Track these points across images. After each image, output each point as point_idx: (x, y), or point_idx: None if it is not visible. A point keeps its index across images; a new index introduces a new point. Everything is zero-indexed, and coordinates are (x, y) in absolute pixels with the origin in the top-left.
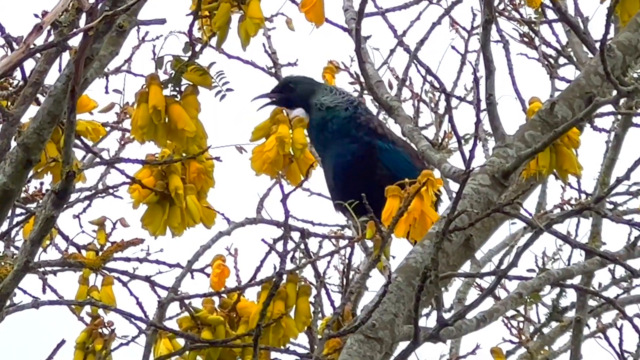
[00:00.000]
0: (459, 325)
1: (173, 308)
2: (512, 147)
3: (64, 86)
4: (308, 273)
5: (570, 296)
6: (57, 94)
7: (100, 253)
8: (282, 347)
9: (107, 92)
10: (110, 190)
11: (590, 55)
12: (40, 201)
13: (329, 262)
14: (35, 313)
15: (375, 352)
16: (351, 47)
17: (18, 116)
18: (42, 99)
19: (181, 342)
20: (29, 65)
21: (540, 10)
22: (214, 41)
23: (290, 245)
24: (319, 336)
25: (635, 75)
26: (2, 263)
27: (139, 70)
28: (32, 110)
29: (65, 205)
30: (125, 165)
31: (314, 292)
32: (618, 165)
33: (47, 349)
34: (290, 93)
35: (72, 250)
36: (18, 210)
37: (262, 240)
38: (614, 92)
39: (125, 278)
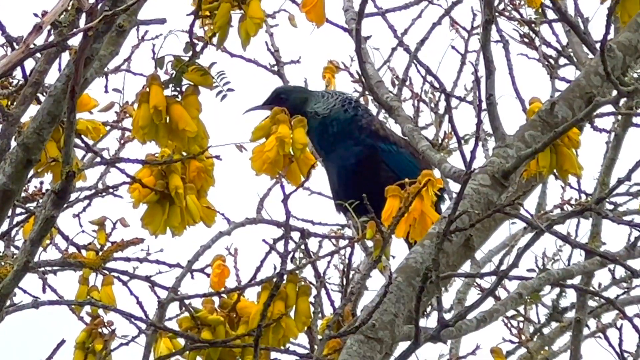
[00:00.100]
0: (459, 326)
1: (173, 308)
2: (512, 147)
3: (63, 86)
4: (308, 273)
5: (570, 296)
6: (57, 93)
7: (100, 253)
8: (282, 347)
9: (106, 91)
10: (111, 190)
11: (591, 55)
12: (40, 201)
13: (329, 262)
14: (35, 313)
15: (375, 353)
16: (351, 47)
17: (18, 116)
18: (42, 98)
19: (181, 342)
20: (29, 65)
21: (540, 10)
22: (214, 41)
23: (291, 245)
24: (319, 336)
25: (635, 75)
26: (2, 263)
27: (139, 69)
28: (32, 110)
29: (65, 205)
30: (126, 164)
31: (314, 292)
32: (618, 166)
33: (47, 349)
34: (282, 104)
35: (72, 250)
36: (18, 210)
37: (263, 240)
38: (614, 92)
39: (125, 278)
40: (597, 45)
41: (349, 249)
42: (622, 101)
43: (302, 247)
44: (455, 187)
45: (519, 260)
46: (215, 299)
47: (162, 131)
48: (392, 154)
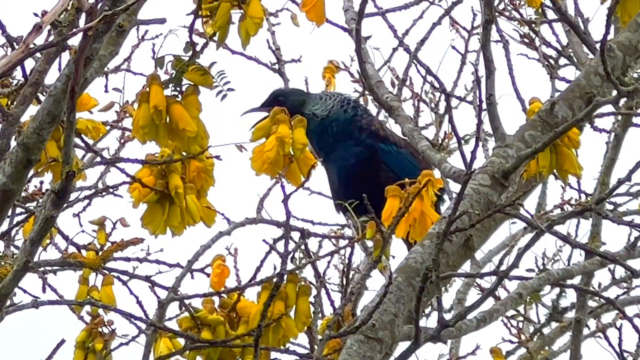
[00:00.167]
0: (459, 326)
1: (173, 308)
2: (512, 147)
3: (63, 86)
4: (308, 273)
5: (570, 297)
6: (56, 93)
7: (100, 253)
8: (282, 347)
9: (106, 91)
10: (110, 190)
11: (591, 55)
12: (40, 200)
13: (329, 262)
14: (35, 313)
15: (375, 353)
16: (351, 47)
17: (18, 116)
18: (42, 98)
19: (181, 341)
20: (29, 64)
21: (540, 10)
22: (214, 40)
23: (291, 245)
24: (319, 336)
25: (635, 75)
26: (2, 263)
27: (139, 69)
28: (32, 110)
29: (65, 205)
30: (126, 164)
31: (314, 292)
32: (618, 166)
33: (47, 348)
34: (280, 106)
35: (72, 249)
36: (18, 210)
37: (263, 240)
38: (614, 92)
39: (125, 278)
40: (597, 45)
41: (349, 249)
42: (622, 101)
43: (302, 247)
44: (455, 187)
45: (519, 260)
46: (216, 298)
47: (162, 131)
48: (392, 154)
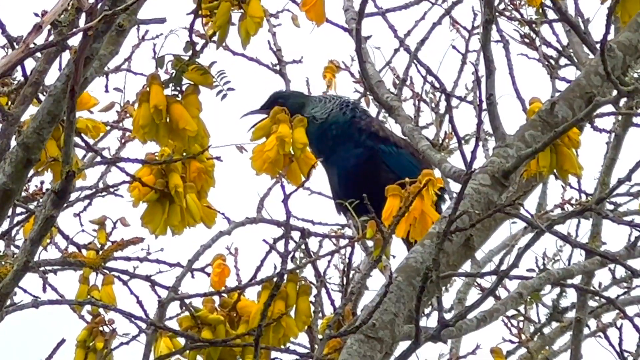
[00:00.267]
0: (460, 325)
1: (173, 307)
2: (512, 147)
3: (63, 86)
4: (308, 273)
5: (571, 296)
6: (56, 93)
7: (100, 252)
8: (282, 347)
9: (107, 91)
10: (111, 189)
11: (591, 55)
12: (41, 200)
13: (329, 262)
14: (35, 312)
15: (376, 352)
16: (352, 47)
17: (18, 116)
18: (42, 98)
19: (182, 341)
20: (29, 64)
21: (540, 10)
22: (215, 40)
23: (291, 245)
24: (320, 336)
25: (635, 75)
26: (2, 262)
27: (139, 69)
28: (32, 110)
29: (65, 205)
30: (126, 163)
31: (314, 291)
32: (618, 166)
33: (47, 348)
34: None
35: (72, 249)
36: (18, 210)
37: (263, 240)
38: (614, 92)
39: (125, 277)
40: (597, 45)
41: (349, 249)
42: (623, 101)
43: (302, 246)
44: (455, 187)
45: (519, 260)
46: (216, 298)
47: (163, 130)
48: (393, 155)
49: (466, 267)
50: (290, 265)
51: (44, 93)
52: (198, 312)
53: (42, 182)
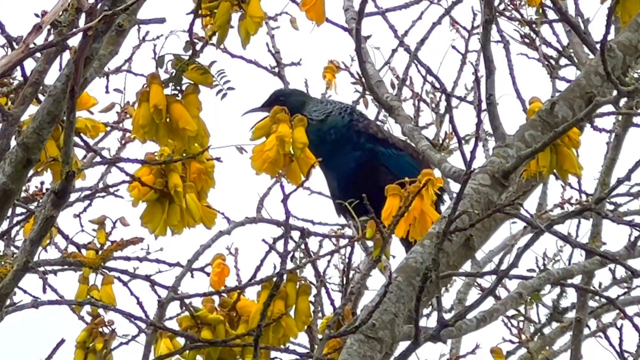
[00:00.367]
0: (459, 325)
1: (173, 307)
2: (512, 147)
3: (63, 86)
4: (308, 272)
5: (571, 297)
6: (56, 93)
7: (100, 252)
8: (282, 347)
9: (107, 91)
10: (111, 190)
11: (591, 55)
12: (41, 201)
13: (329, 262)
14: (35, 313)
15: (375, 352)
16: (352, 47)
17: (18, 116)
18: (42, 98)
19: (182, 341)
20: (29, 64)
21: (541, 10)
22: (214, 40)
23: (291, 245)
24: (319, 336)
25: (635, 75)
26: (2, 262)
27: (140, 69)
28: (32, 110)
29: (65, 205)
30: (126, 164)
31: (314, 291)
32: (619, 166)
33: (47, 348)
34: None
35: (72, 249)
36: (18, 210)
37: (263, 240)
38: (615, 92)
39: (125, 277)
40: (598, 45)
41: (349, 249)
42: (623, 101)
43: (302, 246)
44: (455, 187)
45: (519, 260)
46: (216, 298)
47: (163, 130)
48: (393, 157)
49: (466, 267)
50: (290, 265)
51: (44, 93)
52: (198, 312)
53: (42, 183)
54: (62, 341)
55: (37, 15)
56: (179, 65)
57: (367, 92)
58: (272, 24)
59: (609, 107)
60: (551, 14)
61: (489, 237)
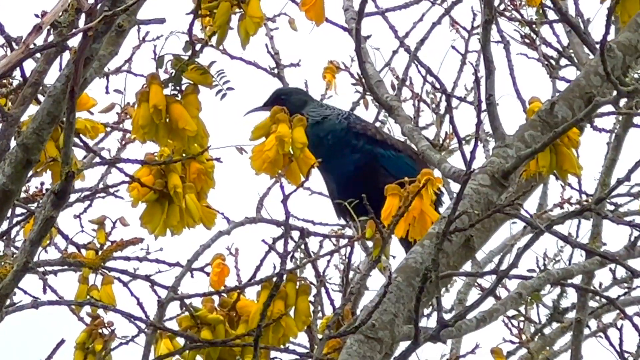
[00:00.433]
0: (459, 326)
1: (173, 307)
2: (512, 147)
3: (63, 86)
4: (308, 272)
5: (571, 297)
6: (56, 94)
7: (100, 252)
8: (281, 347)
9: (107, 92)
10: (111, 190)
11: (591, 56)
12: (41, 201)
13: (328, 262)
14: (35, 313)
15: (375, 352)
16: (351, 47)
17: (17, 116)
18: (41, 99)
19: (182, 341)
20: (29, 65)
21: (541, 10)
22: (214, 40)
23: (290, 244)
24: (319, 335)
25: (635, 75)
26: (2, 263)
27: (140, 70)
28: (32, 110)
29: (65, 206)
30: (125, 164)
31: (313, 291)
32: (619, 166)
33: (47, 349)
34: (282, 105)
35: (71, 249)
36: (18, 210)
37: (262, 240)
38: (614, 93)
39: (125, 277)
40: (597, 46)
41: (349, 249)
42: (623, 101)
43: (302, 246)
44: (455, 187)
45: (519, 260)
46: (215, 297)
47: (162, 130)
48: (392, 159)
49: (467, 267)
50: (289, 265)
51: (44, 94)
52: (197, 312)
53: (42, 183)
54: (62, 342)
55: (37, 16)
56: (178, 66)
57: (367, 93)
58: (271, 25)
59: (609, 107)
60: (551, 15)
61: (489, 238)
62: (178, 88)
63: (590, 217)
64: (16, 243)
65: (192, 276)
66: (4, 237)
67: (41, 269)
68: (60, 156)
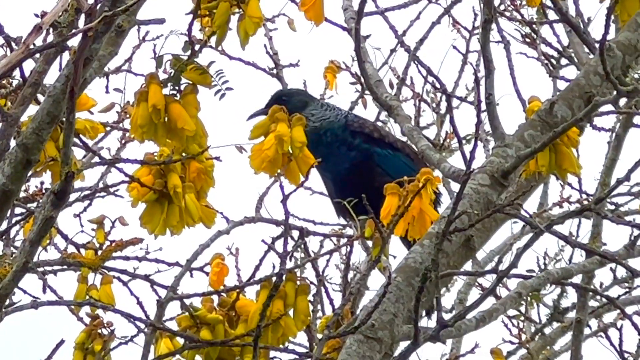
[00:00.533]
0: (459, 326)
1: (172, 307)
2: (511, 147)
3: (63, 86)
4: (309, 272)
5: (572, 297)
6: (56, 94)
7: (99, 252)
8: (281, 346)
9: (107, 91)
10: (110, 190)
11: (591, 55)
12: (40, 201)
13: (327, 261)
14: (34, 313)
15: (375, 352)
16: (351, 47)
17: (17, 117)
18: (41, 99)
19: (182, 341)
20: (29, 65)
21: (541, 10)
22: (213, 40)
23: (290, 244)
24: (319, 335)
25: (635, 75)
26: (2, 263)
27: (140, 69)
28: (32, 110)
29: (64, 206)
30: (125, 164)
31: (313, 290)
32: (619, 166)
33: (46, 349)
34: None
35: (71, 249)
36: (17, 210)
37: (262, 240)
38: (614, 92)
39: (124, 277)
40: (597, 45)
41: (349, 248)
42: (622, 101)
43: (302, 246)
44: (455, 186)
45: (519, 260)
46: (215, 297)
47: (161, 130)
48: (388, 157)
49: (467, 267)
50: (289, 265)
51: (44, 94)
52: (197, 312)
53: (42, 183)
54: (62, 342)
55: (37, 16)
56: (177, 66)
57: (366, 92)
58: (270, 25)
59: (609, 107)
60: (552, 15)
61: (489, 238)
62: (177, 88)
63: (591, 217)
64: (15, 243)
65: (191, 276)
66: (4, 237)
67: (41, 269)
68: (59, 156)
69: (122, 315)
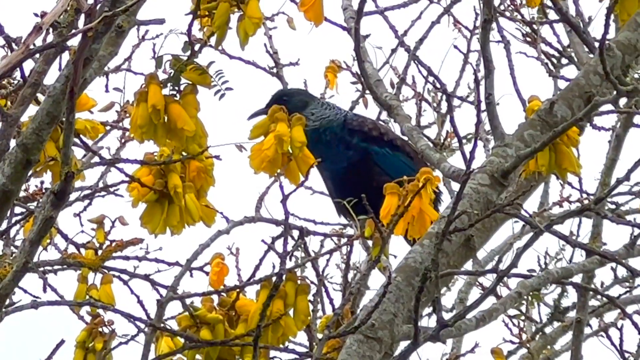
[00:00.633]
0: (459, 325)
1: (173, 306)
2: (511, 147)
3: (63, 87)
4: (309, 272)
5: (572, 296)
6: (56, 94)
7: (99, 252)
8: (281, 346)
9: (107, 91)
10: (110, 189)
11: (592, 55)
12: (40, 201)
13: (327, 261)
14: (35, 313)
15: (375, 352)
16: (351, 47)
17: (17, 117)
18: (41, 99)
19: (182, 340)
20: (29, 65)
21: (541, 10)
22: (213, 41)
23: (290, 244)
24: (319, 335)
25: (636, 75)
26: (2, 263)
27: (139, 69)
28: (31, 111)
29: (64, 205)
30: (125, 164)
31: (313, 290)
32: (619, 166)
33: (47, 348)
34: (283, 106)
35: (71, 249)
36: (17, 210)
37: (262, 240)
38: (614, 92)
39: (124, 276)
40: (597, 45)
41: (349, 248)
42: (622, 101)
43: (302, 245)
44: (455, 186)
45: (519, 259)
46: (215, 297)
47: (161, 130)
48: (387, 156)
49: (468, 267)
50: (289, 265)
51: (43, 94)
52: (197, 311)
53: (42, 183)
54: (62, 342)
55: (37, 16)
56: (177, 66)
57: (366, 92)
58: (270, 24)
59: (609, 107)
60: (552, 14)
61: (489, 237)
62: (177, 88)
63: (591, 217)
64: (16, 243)
65: (191, 275)
66: (4, 237)
67: (41, 269)
68: (60, 156)
69: (122, 315)
